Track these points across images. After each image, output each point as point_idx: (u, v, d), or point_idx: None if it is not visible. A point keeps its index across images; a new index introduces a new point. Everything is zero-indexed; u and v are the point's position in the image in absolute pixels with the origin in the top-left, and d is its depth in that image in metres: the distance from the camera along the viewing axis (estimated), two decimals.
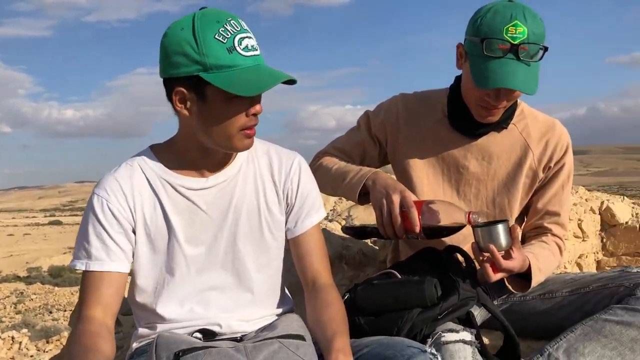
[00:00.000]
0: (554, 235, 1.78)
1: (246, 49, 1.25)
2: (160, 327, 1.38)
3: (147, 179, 1.36)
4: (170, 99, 1.31)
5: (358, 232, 1.73)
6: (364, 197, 1.67)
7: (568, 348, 1.55)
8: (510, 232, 1.53)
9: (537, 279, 1.64)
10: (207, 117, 1.28)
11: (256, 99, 1.29)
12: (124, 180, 1.34)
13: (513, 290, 1.68)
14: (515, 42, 1.52)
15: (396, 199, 1.55)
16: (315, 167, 1.83)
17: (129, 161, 1.38)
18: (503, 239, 1.51)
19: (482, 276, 1.56)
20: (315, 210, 1.47)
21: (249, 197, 1.41)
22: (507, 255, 1.54)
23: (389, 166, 1.93)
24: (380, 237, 1.64)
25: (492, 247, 1.50)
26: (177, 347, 1.15)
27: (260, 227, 1.42)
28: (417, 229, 1.52)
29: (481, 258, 1.54)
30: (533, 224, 1.81)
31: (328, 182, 1.75)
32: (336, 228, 2.68)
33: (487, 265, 1.53)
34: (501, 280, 1.61)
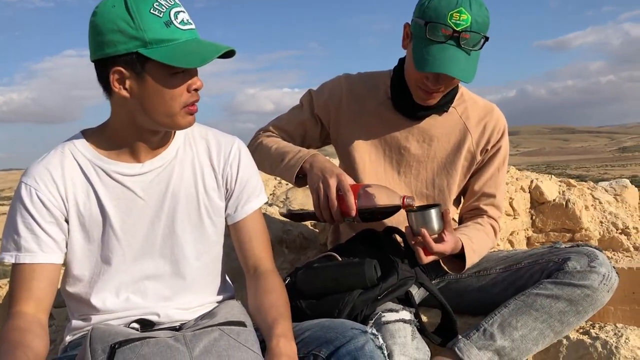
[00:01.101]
0: (489, 216, 1.83)
1: (182, 22, 1.23)
2: (95, 319, 1.33)
3: (79, 166, 1.30)
4: (103, 81, 1.25)
5: (295, 215, 1.73)
6: (301, 179, 1.66)
7: (502, 323, 1.61)
8: (442, 216, 1.57)
9: (471, 260, 1.69)
10: (148, 95, 1.23)
11: (195, 74, 1.27)
12: (54, 167, 1.28)
13: (448, 271, 1.73)
14: (458, 29, 1.53)
15: (333, 182, 1.55)
16: (255, 145, 1.81)
17: (59, 147, 1.32)
18: (435, 223, 1.55)
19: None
20: (256, 195, 1.46)
21: (186, 183, 1.38)
22: (439, 239, 1.58)
23: (331, 147, 1.93)
24: (318, 221, 1.65)
25: (424, 231, 1.54)
26: (113, 339, 1.12)
27: (199, 213, 1.39)
28: (353, 212, 1.54)
29: (414, 242, 1.57)
30: (470, 206, 1.86)
31: (266, 162, 1.74)
32: (276, 212, 2.67)
33: (419, 249, 1.57)
34: (438, 260, 1.65)
